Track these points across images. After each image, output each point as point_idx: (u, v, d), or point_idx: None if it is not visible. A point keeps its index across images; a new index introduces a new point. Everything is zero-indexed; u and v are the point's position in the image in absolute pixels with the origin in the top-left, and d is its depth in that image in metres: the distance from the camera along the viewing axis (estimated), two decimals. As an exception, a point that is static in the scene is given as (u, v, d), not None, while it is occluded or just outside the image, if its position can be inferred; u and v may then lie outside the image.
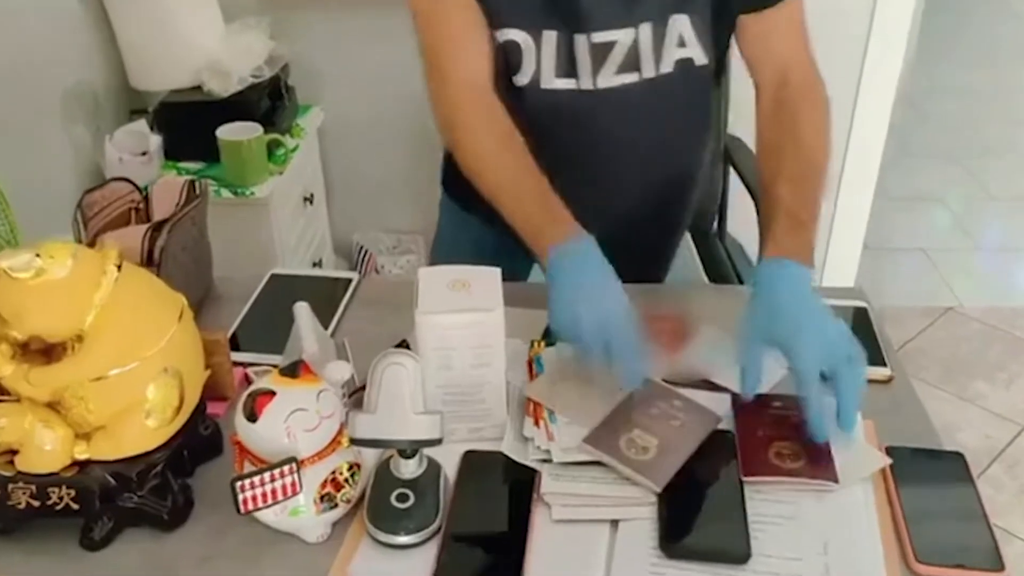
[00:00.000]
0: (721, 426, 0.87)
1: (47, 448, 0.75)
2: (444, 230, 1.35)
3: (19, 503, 0.76)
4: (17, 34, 1.51)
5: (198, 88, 1.83)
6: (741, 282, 1.87)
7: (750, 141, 1.90)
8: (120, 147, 1.74)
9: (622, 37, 1.00)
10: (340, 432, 0.78)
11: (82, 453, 0.76)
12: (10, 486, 0.75)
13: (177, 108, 1.84)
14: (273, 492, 0.73)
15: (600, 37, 1.00)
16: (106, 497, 0.77)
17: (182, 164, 1.83)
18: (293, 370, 0.77)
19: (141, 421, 0.76)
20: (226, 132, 1.72)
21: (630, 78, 1.03)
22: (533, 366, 0.95)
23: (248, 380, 0.99)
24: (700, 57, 1.04)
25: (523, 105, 1.04)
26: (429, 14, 1.02)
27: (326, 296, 1.14)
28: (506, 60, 1.03)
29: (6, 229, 1.09)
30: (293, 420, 0.74)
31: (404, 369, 0.73)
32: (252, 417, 0.74)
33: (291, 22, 2.00)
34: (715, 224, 2.07)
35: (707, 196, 2.03)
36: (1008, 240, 2.88)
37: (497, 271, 0.87)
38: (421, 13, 1.02)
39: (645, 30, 1.00)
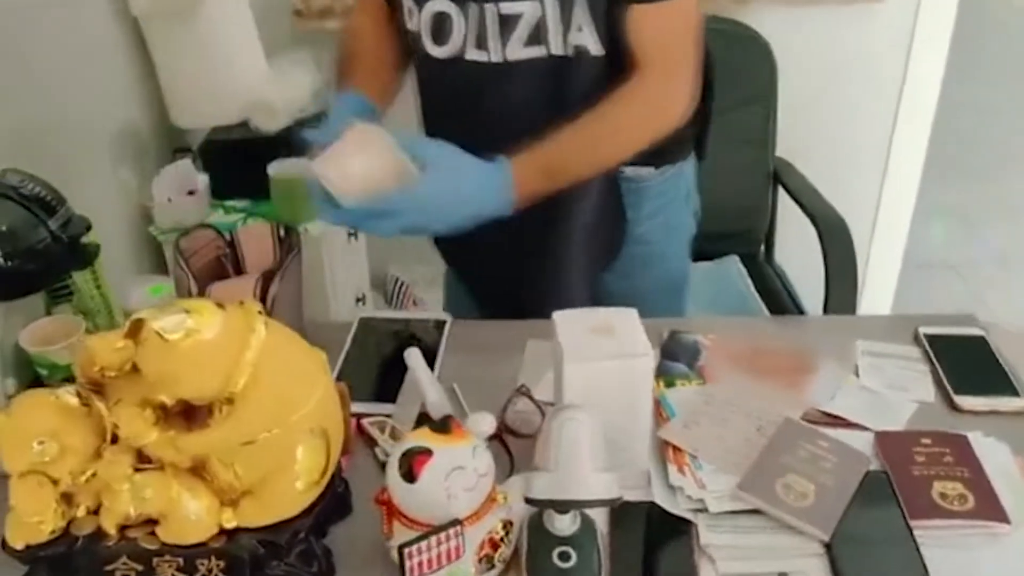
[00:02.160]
0: (870, 467, 0.84)
1: (193, 518, 0.71)
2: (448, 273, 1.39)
3: (166, 577, 0.72)
4: (60, 79, 1.47)
5: (242, 125, 1.79)
6: (799, 306, 1.85)
7: (799, 164, 1.93)
8: (167, 187, 1.69)
9: (528, 10, 1.00)
10: (494, 489, 0.75)
11: (229, 521, 0.72)
12: (155, 560, 0.71)
13: (223, 146, 1.80)
14: (439, 557, 0.70)
15: (507, 8, 1.00)
16: (256, 565, 0.73)
17: (229, 203, 1.78)
18: (445, 426, 0.74)
19: (290, 484, 0.73)
20: (278, 169, 1.68)
21: (537, 52, 1.02)
22: (661, 407, 0.92)
23: (362, 430, 0.95)
24: (594, 47, 1.01)
25: (442, 77, 1.09)
26: None
27: (420, 339, 1.11)
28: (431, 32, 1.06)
29: (100, 301, 1.05)
30: (453, 479, 0.71)
31: (582, 425, 0.70)
32: (410, 477, 0.71)
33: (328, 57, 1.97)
34: (762, 248, 2.06)
35: (755, 219, 2.03)
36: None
37: (633, 312, 0.85)
38: None
39: (551, 5, 0.99)
